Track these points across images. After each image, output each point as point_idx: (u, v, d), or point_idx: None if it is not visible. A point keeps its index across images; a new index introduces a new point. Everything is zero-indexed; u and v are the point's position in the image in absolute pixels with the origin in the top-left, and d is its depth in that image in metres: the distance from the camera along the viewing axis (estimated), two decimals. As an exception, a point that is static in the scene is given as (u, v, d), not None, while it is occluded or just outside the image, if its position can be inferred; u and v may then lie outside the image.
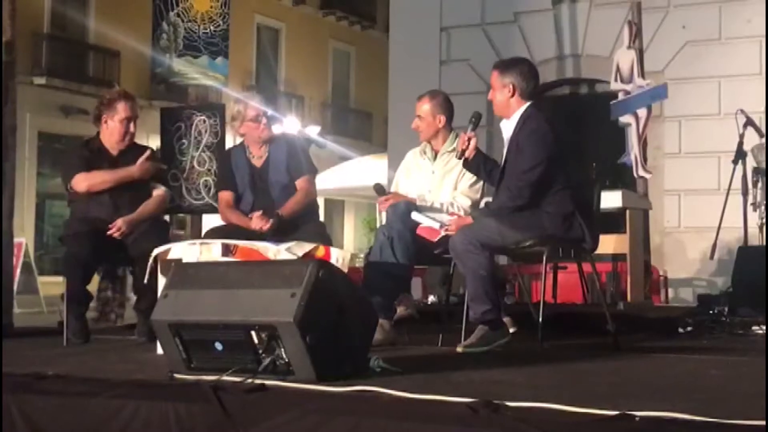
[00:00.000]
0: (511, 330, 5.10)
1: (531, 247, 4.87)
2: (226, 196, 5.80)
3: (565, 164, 4.87)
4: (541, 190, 4.79)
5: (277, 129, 6.01)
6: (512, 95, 4.91)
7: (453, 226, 5.02)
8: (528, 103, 4.93)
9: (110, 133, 5.77)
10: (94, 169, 5.71)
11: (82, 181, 5.68)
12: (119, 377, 3.69)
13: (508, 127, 4.96)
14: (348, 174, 18.48)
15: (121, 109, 5.74)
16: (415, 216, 5.22)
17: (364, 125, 32.17)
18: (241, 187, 5.73)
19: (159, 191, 5.85)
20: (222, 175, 5.98)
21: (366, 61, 30.88)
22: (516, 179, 4.80)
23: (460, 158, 5.06)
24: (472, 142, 4.95)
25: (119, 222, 5.50)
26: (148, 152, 5.84)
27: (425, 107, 5.56)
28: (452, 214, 5.34)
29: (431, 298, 8.39)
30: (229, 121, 6.04)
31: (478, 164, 5.02)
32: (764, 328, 5.95)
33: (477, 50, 11.64)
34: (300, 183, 5.67)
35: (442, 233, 5.11)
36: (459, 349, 4.82)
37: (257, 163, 5.75)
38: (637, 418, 2.66)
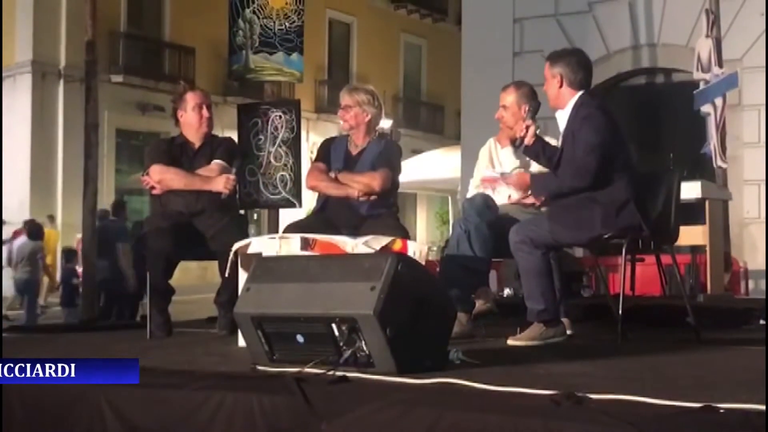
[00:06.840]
0: (568, 332, 5.04)
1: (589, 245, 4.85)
2: (318, 164, 5.75)
3: (621, 150, 4.84)
4: (599, 176, 4.74)
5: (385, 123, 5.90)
6: (561, 86, 4.92)
7: (513, 178, 5.10)
8: (580, 92, 4.91)
9: (188, 125, 5.91)
10: (175, 163, 5.81)
11: (156, 173, 5.79)
12: (204, 369, 3.76)
13: (562, 117, 4.96)
14: (420, 167, 18.43)
15: (190, 98, 5.92)
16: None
17: (436, 118, 32.18)
18: (333, 167, 5.66)
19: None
20: (317, 157, 5.86)
21: (437, 54, 30.88)
22: (574, 164, 4.78)
23: (518, 145, 5.08)
24: (531, 130, 4.98)
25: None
26: (232, 175, 5.85)
27: (510, 98, 5.53)
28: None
29: (507, 291, 8.34)
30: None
31: (538, 151, 5.04)
32: None
33: (551, 41, 11.42)
34: (378, 170, 5.54)
35: (501, 182, 5.31)
36: (510, 342, 4.79)
37: (353, 150, 5.67)
38: (721, 410, 2.65)
